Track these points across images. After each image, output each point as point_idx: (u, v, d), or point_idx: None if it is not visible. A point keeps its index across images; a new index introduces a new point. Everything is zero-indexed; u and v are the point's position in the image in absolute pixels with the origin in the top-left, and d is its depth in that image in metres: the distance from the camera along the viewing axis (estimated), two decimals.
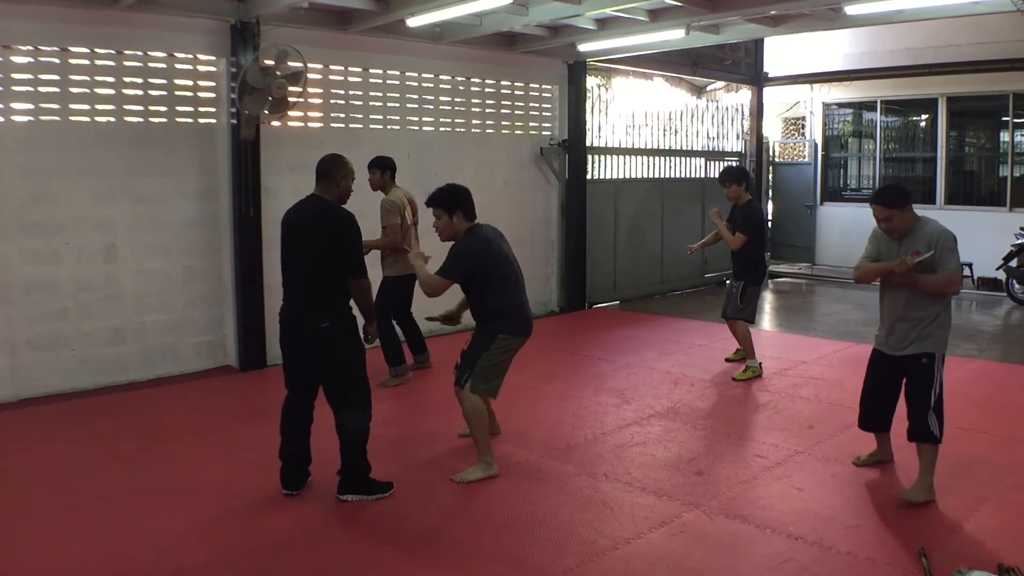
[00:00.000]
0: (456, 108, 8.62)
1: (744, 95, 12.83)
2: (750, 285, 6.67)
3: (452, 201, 4.50)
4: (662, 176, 11.26)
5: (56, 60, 6.11)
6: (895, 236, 4.17)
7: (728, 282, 7.07)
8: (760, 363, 6.78)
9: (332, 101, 7.61)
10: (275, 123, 6.95)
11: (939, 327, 4.15)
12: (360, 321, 4.30)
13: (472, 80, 8.75)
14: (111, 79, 6.36)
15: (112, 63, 6.34)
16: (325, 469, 4.44)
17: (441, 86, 8.47)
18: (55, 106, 6.13)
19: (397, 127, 8.10)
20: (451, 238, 4.55)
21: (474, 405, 4.54)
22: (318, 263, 4.14)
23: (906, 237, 4.14)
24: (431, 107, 8.39)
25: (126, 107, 6.43)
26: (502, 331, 4.52)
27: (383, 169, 6.37)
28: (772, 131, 14.14)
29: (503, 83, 9.09)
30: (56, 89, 6.12)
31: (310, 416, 4.40)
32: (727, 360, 7.19)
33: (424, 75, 8.29)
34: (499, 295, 4.54)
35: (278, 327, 7.40)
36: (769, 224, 13.07)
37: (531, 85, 9.40)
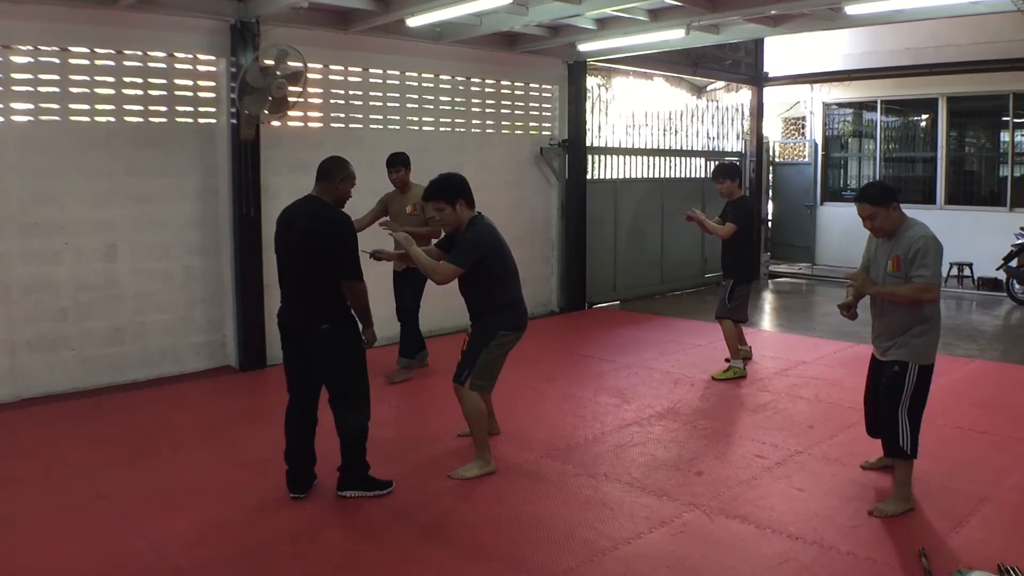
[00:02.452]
0: (456, 108, 8.62)
1: (744, 95, 12.83)
2: (738, 284, 6.63)
3: (453, 192, 4.48)
4: (662, 176, 11.25)
5: (56, 60, 6.11)
6: (879, 235, 4.10)
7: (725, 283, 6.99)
8: (744, 365, 6.77)
9: (332, 101, 7.61)
10: (275, 123, 6.95)
11: (916, 336, 3.95)
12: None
13: (472, 80, 8.75)
14: (111, 79, 6.35)
15: (112, 63, 6.34)
16: (325, 470, 4.43)
17: (441, 86, 8.47)
18: (55, 106, 6.12)
19: (397, 127, 8.10)
20: (454, 228, 4.55)
21: (474, 403, 4.55)
22: (315, 265, 4.09)
23: (892, 238, 4.03)
24: (431, 107, 8.39)
25: (126, 107, 6.43)
26: (501, 327, 4.53)
27: (407, 166, 6.46)
28: (772, 131, 14.14)
29: (503, 83, 9.09)
30: (56, 89, 6.12)
31: (313, 418, 4.37)
32: (727, 361, 7.18)
33: (424, 75, 8.29)
34: (502, 288, 4.56)
35: (278, 327, 7.40)
36: (768, 224, 13.09)
37: (531, 85, 9.39)
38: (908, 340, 3.97)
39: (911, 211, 4.27)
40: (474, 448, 4.66)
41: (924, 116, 12.46)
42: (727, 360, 6.93)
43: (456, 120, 8.64)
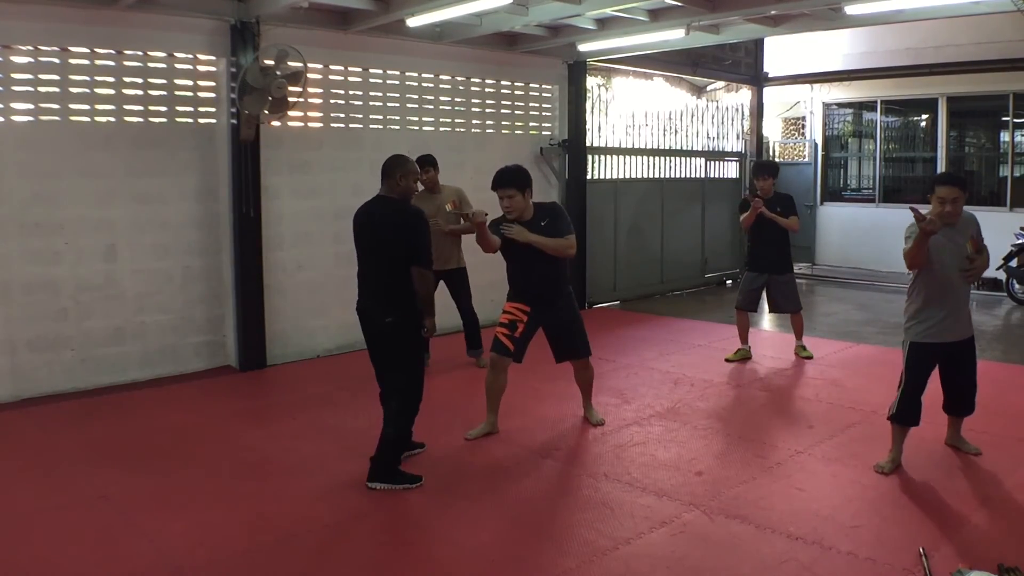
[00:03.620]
0: (456, 108, 8.62)
1: (744, 95, 12.83)
2: (793, 275, 7.28)
3: (523, 180, 4.89)
4: (662, 176, 11.25)
5: (56, 60, 6.11)
6: (951, 219, 4.27)
7: (768, 278, 7.18)
8: (749, 349, 7.32)
9: (332, 101, 7.60)
10: (275, 123, 6.95)
11: None
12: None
13: (472, 80, 8.75)
14: (111, 79, 6.35)
15: (112, 63, 6.34)
16: (321, 469, 4.43)
17: (441, 86, 8.46)
18: (55, 106, 6.12)
19: (397, 127, 8.10)
20: (520, 215, 4.91)
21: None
22: (392, 260, 4.31)
23: (954, 226, 4.30)
24: (431, 107, 8.39)
25: (126, 107, 6.43)
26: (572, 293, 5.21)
27: (435, 166, 6.58)
28: (772, 131, 14.13)
29: (503, 83, 9.08)
30: (56, 89, 6.12)
31: None
32: (727, 360, 7.20)
33: (424, 75, 8.29)
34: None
35: (281, 327, 7.49)
36: None
37: (531, 85, 9.39)
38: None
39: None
40: (590, 402, 5.53)
41: (924, 116, 12.46)
42: (736, 359, 7.20)
43: (456, 120, 8.64)
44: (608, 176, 10.58)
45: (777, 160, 13.95)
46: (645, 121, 11.19)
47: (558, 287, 5.10)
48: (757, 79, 12.50)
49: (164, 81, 6.60)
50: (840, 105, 13.32)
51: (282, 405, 6.07)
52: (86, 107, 6.26)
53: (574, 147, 9.66)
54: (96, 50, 6.27)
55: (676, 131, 11.53)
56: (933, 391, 4.66)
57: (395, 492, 4.31)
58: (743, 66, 12.26)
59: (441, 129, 8.49)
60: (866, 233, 12.12)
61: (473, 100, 8.79)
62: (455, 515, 4.12)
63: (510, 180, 4.84)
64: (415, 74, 8.22)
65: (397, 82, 8.08)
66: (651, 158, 11.12)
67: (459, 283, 6.86)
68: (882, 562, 3.54)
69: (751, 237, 7.28)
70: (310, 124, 7.49)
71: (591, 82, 10.20)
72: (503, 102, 9.12)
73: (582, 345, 5.27)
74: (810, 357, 7.22)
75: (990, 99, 11.56)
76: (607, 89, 11.16)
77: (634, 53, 9.33)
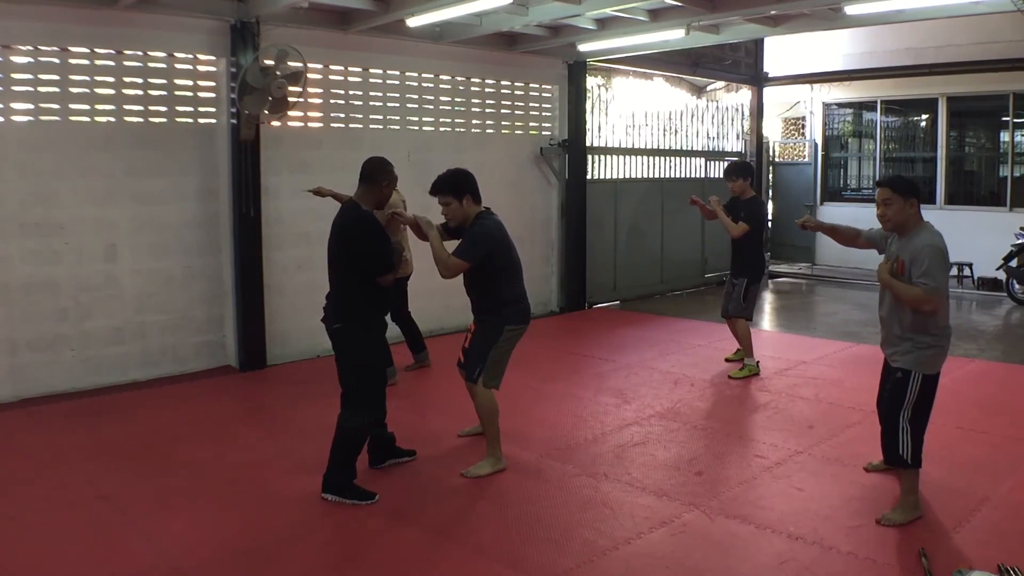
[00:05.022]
0: (456, 108, 8.62)
1: (744, 95, 12.84)
2: (752, 283, 6.67)
3: (460, 186, 4.47)
4: (662, 176, 11.25)
5: (56, 60, 6.11)
6: (888, 225, 3.96)
7: (727, 280, 7.02)
8: (758, 362, 6.82)
9: (332, 101, 7.61)
10: (275, 123, 6.95)
11: (924, 347, 3.85)
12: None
13: (472, 80, 8.75)
14: (111, 79, 6.35)
15: (112, 63, 6.34)
16: (321, 469, 4.43)
17: (441, 86, 8.47)
18: (55, 106, 6.12)
19: (397, 127, 8.10)
20: (461, 223, 4.54)
21: (488, 400, 4.58)
22: (337, 268, 4.23)
23: (902, 238, 3.92)
24: (431, 107, 8.39)
25: (126, 107, 6.43)
26: (508, 322, 4.54)
27: None
28: (772, 131, 14.14)
29: (503, 83, 9.09)
30: (56, 89, 6.12)
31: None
32: (727, 360, 7.19)
33: (424, 75, 8.30)
34: (507, 283, 4.56)
35: (281, 327, 7.49)
36: (770, 224, 13.10)
37: (531, 85, 9.39)
38: (913, 349, 3.87)
39: None
40: (486, 445, 4.66)
41: (924, 116, 12.47)
42: (736, 359, 7.00)
43: (456, 120, 8.64)
44: (608, 176, 10.58)
45: (777, 160, 13.97)
46: (645, 121, 11.19)
47: (478, 300, 4.63)
48: (757, 79, 12.50)
49: (164, 81, 6.60)
50: (840, 105, 13.33)
51: (282, 405, 6.07)
52: (86, 107, 6.26)
53: (574, 147, 9.66)
54: (96, 50, 6.27)
55: (676, 131, 11.54)
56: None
57: (363, 505, 4.23)
58: (743, 66, 12.26)
59: (441, 129, 8.49)
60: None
61: (473, 100, 8.79)
62: (455, 515, 4.12)
63: (443, 187, 4.46)
64: (415, 74, 8.22)
65: (397, 82, 8.08)
66: (651, 158, 11.12)
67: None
68: (882, 562, 3.54)
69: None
70: (310, 124, 7.49)
71: (591, 82, 10.20)
72: (503, 102, 9.13)
73: (467, 364, 4.62)
74: (737, 378, 6.60)
75: (990, 99, 11.58)
76: (607, 89, 11.16)
77: (634, 53, 9.33)
